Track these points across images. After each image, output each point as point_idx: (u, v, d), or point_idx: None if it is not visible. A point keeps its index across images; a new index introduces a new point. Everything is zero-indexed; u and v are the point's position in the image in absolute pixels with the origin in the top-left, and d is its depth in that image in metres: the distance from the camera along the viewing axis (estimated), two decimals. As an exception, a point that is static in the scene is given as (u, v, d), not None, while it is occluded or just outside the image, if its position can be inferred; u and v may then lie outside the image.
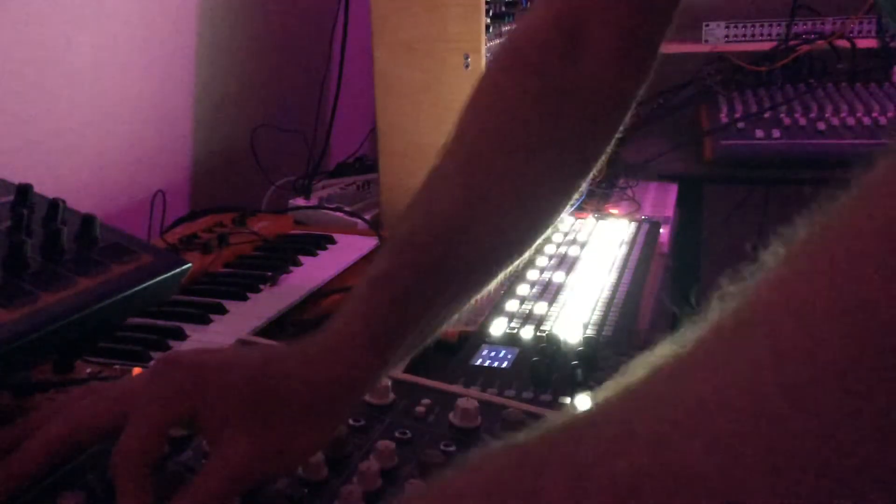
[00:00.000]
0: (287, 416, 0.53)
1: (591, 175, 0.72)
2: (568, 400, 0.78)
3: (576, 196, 0.72)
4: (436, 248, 0.63)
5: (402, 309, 0.60)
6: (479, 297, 0.69)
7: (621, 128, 0.71)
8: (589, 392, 0.78)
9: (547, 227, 0.71)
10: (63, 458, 0.54)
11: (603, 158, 0.72)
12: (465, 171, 0.66)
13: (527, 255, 0.71)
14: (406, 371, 0.76)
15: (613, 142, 0.72)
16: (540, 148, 0.67)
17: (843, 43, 1.85)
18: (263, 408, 0.53)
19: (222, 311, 0.99)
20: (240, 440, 0.51)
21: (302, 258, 1.17)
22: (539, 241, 0.71)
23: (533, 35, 0.69)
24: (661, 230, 1.33)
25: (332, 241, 1.25)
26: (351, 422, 0.66)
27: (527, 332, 0.94)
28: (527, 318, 0.98)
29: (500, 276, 0.69)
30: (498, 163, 0.66)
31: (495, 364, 0.86)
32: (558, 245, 1.24)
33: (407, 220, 0.65)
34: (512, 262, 0.69)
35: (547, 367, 0.82)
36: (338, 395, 0.56)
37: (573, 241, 1.26)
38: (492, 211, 0.65)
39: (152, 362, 0.85)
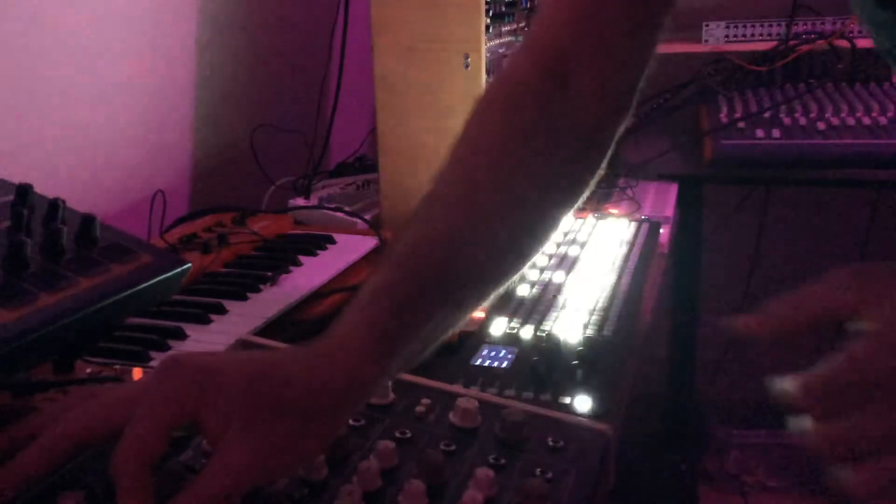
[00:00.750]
0: (288, 420, 0.54)
1: (584, 196, 0.76)
2: (568, 400, 0.78)
3: (572, 211, 0.76)
4: (437, 261, 0.64)
5: (403, 318, 0.61)
6: (479, 308, 0.70)
7: (603, 164, 0.76)
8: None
9: (543, 243, 0.74)
10: (67, 460, 0.54)
11: (593, 183, 0.76)
12: (464, 194, 0.69)
13: (524, 269, 0.74)
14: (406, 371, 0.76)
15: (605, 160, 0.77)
16: (533, 178, 0.71)
17: (843, 43, 1.84)
18: (265, 411, 0.53)
19: (222, 311, 0.99)
20: (241, 442, 0.51)
21: (302, 258, 1.17)
22: (536, 255, 0.74)
23: (520, 76, 0.74)
24: (661, 230, 1.34)
25: (332, 241, 1.25)
26: (351, 422, 0.66)
27: (527, 332, 0.94)
28: (527, 317, 0.98)
29: (500, 290, 0.71)
30: (494, 188, 0.69)
31: (495, 364, 0.87)
32: (558, 245, 1.24)
33: (407, 234, 0.66)
34: (511, 277, 0.72)
35: (547, 367, 0.82)
36: (338, 402, 0.57)
37: (573, 241, 1.26)
38: (491, 229, 0.68)
39: (154, 363, 0.85)
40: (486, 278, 0.69)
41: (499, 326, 0.95)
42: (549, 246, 1.23)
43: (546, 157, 0.72)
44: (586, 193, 0.76)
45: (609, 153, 0.77)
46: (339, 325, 0.60)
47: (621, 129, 0.76)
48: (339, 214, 1.37)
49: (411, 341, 0.62)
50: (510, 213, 0.69)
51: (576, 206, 0.76)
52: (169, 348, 0.89)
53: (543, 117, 0.72)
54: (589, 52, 0.73)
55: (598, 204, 1.47)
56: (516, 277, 0.73)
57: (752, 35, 1.93)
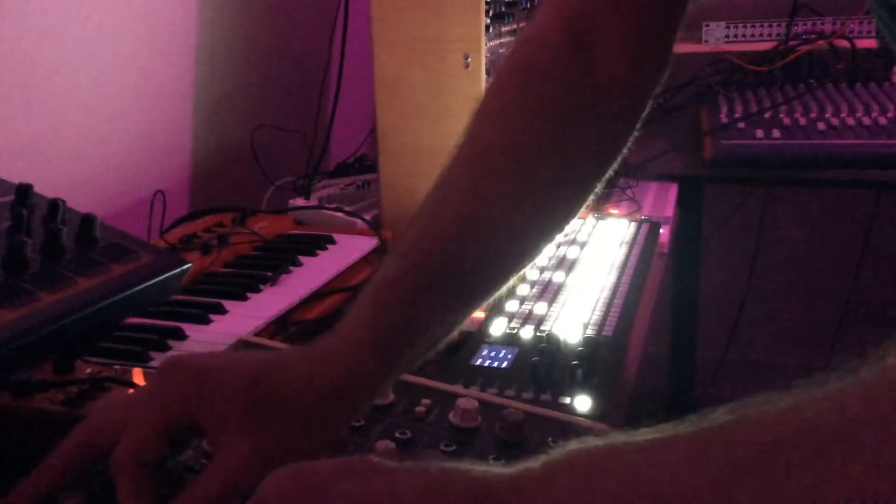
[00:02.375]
0: (288, 420, 0.53)
1: (605, 177, 0.70)
2: (568, 400, 0.78)
3: (590, 199, 0.70)
4: (442, 253, 0.62)
5: (408, 314, 0.59)
6: (489, 301, 0.67)
7: (638, 126, 0.70)
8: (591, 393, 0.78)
9: (559, 231, 0.70)
10: (79, 470, 0.53)
11: (619, 160, 0.70)
12: (474, 176, 0.65)
13: (537, 258, 0.70)
14: (406, 371, 0.76)
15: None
16: (551, 154, 0.66)
17: (843, 43, 1.85)
18: (264, 411, 0.53)
19: (222, 311, 0.99)
20: (240, 443, 0.51)
21: (302, 258, 1.17)
22: (550, 244, 0.70)
23: (541, 42, 0.68)
24: (661, 230, 1.33)
25: (332, 241, 1.25)
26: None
27: (527, 332, 0.94)
28: (527, 318, 0.98)
29: (511, 281, 0.68)
30: (508, 169, 0.65)
31: (495, 364, 0.86)
32: (558, 245, 1.24)
33: (414, 225, 0.64)
34: (522, 267, 0.68)
35: (547, 367, 0.82)
36: (340, 401, 0.56)
37: (573, 241, 1.26)
38: (500, 215, 0.64)
39: (154, 363, 0.85)
40: (495, 270, 0.66)
41: (499, 326, 0.95)
42: (549, 246, 1.23)
43: (567, 132, 0.66)
44: (611, 170, 0.70)
45: (639, 124, 0.69)
46: (343, 323, 0.59)
47: (650, 98, 0.69)
48: (339, 214, 1.37)
49: (415, 339, 0.60)
50: (521, 199, 0.65)
51: (599, 186, 0.70)
52: (169, 348, 0.89)
53: (564, 86, 0.66)
54: (613, 5, 0.66)
55: (598, 204, 1.47)
56: (527, 269, 0.69)
57: (752, 35, 1.93)
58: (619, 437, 0.41)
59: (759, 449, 0.36)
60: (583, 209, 0.71)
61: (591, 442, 0.41)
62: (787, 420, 0.37)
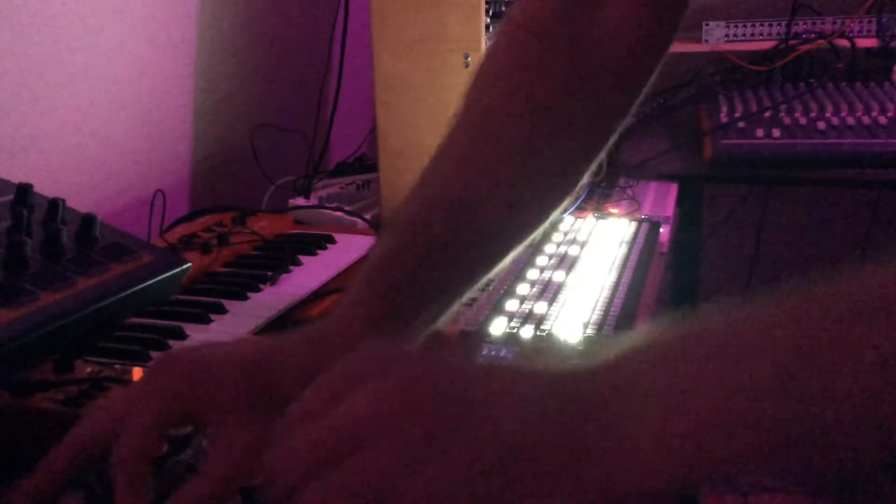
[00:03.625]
0: (286, 405, 0.53)
1: (607, 146, 0.68)
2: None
3: (593, 169, 0.69)
4: (438, 226, 0.61)
5: (405, 290, 0.58)
6: (492, 274, 0.65)
7: (640, 97, 0.69)
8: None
9: (561, 201, 0.68)
10: (80, 470, 0.53)
11: (620, 128, 0.68)
12: (470, 143, 0.63)
13: (541, 231, 0.68)
14: (406, 371, 0.76)
15: (624, 121, 0.69)
16: (550, 117, 0.64)
17: (843, 43, 1.85)
18: (262, 398, 0.52)
19: (222, 311, 0.99)
20: (239, 430, 0.51)
21: (302, 258, 1.17)
22: (554, 216, 0.68)
23: (542, 4, 0.66)
24: (661, 230, 1.33)
25: (332, 241, 1.25)
26: (351, 421, 0.66)
27: (527, 332, 0.94)
28: (527, 317, 0.98)
29: (513, 254, 0.66)
30: (505, 133, 0.63)
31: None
32: (558, 244, 1.24)
33: (411, 199, 0.63)
34: (523, 239, 0.66)
35: (547, 367, 0.82)
36: None
37: (573, 241, 1.26)
38: (498, 183, 0.62)
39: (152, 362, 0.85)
40: (495, 243, 0.64)
41: (499, 326, 0.95)
42: (549, 245, 1.23)
43: (567, 95, 0.64)
44: (606, 147, 0.68)
45: (641, 95, 0.68)
46: (339, 305, 0.59)
47: (658, 62, 0.67)
48: (339, 214, 1.37)
49: (413, 315, 0.59)
50: (521, 166, 0.63)
51: (602, 154, 0.68)
52: (169, 348, 0.89)
53: (565, 47, 0.64)
54: None
55: (598, 203, 1.47)
56: (529, 242, 0.67)
57: (752, 35, 1.93)
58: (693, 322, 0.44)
59: (869, 298, 0.39)
60: (584, 181, 0.69)
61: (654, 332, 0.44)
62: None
